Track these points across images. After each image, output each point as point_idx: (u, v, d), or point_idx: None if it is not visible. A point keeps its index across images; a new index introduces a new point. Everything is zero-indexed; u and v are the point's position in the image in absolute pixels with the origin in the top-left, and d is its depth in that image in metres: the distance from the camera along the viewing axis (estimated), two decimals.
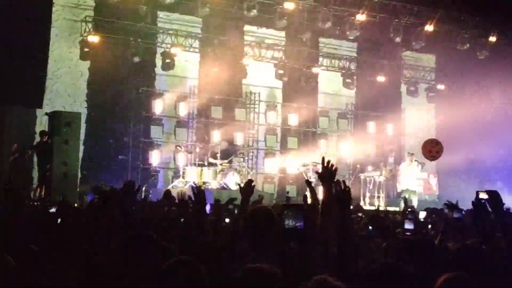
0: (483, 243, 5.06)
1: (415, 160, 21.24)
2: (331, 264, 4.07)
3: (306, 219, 4.17)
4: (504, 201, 5.38)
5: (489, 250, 4.67)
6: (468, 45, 24.16)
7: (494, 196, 4.93)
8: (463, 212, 7.27)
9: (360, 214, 10.28)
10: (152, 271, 3.76)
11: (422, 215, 10.04)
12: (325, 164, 4.56)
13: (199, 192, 5.38)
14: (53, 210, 8.15)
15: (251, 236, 4.28)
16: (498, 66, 25.32)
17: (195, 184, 17.39)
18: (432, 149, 19.47)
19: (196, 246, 4.59)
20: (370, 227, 6.82)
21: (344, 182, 4.39)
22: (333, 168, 4.55)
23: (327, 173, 4.54)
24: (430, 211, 10.98)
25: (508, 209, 6.54)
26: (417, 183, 21.35)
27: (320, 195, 4.70)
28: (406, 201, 10.36)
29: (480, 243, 4.92)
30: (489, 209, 5.03)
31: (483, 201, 5.18)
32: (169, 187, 19.78)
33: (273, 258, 3.98)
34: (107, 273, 4.09)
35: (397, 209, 17.87)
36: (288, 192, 21.72)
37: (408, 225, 6.93)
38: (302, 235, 4.17)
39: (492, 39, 24.27)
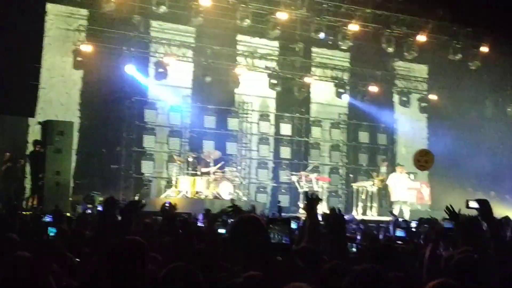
0: (473, 252, 5.09)
1: (406, 172, 21.34)
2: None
3: (292, 234, 4.29)
4: (496, 211, 5.39)
5: (477, 259, 4.69)
6: (460, 56, 24.28)
7: (484, 205, 4.95)
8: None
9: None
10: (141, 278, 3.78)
11: (414, 224, 10.08)
12: (308, 197, 5.18)
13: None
14: (47, 219, 8.13)
15: (238, 245, 4.29)
16: (490, 77, 25.49)
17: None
18: (420, 159, 19.60)
19: (188, 254, 4.61)
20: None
21: (336, 209, 4.84)
22: (315, 200, 5.16)
23: (310, 205, 5.14)
24: (422, 221, 11.00)
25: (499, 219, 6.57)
26: (408, 193, 21.40)
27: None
28: (392, 213, 10.42)
29: (470, 252, 4.94)
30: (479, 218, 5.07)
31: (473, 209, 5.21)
32: (162, 196, 19.76)
33: (261, 266, 4.00)
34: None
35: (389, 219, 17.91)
36: (279, 202, 21.73)
37: (400, 233, 6.97)
38: (288, 249, 4.23)
39: (484, 49, 24.40)
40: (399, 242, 6.89)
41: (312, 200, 5.49)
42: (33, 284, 3.63)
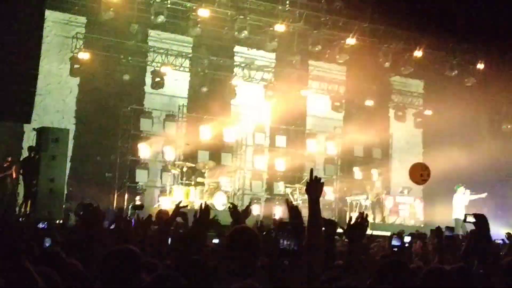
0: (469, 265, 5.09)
1: (467, 189, 21.58)
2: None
3: (299, 238, 4.19)
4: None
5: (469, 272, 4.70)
6: (456, 72, 24.38)
7: (481, 219, 4.96)
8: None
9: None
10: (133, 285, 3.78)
11: (407, 239, 10.04)
12: (312, 177, 4.46)
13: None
14: (41, 225, 8.09)
15: (234, 256, 4.28)
16: (485, 94, 25.57)
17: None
18: (423, 173, 19.60)
19: (184, 263, 4.60)
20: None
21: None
22: (320, 182, 4.45)
23: (313, 188, 4.45)
24: (415, 235, 10.96)
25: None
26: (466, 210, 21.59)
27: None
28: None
29: (464, 265, 4.95)
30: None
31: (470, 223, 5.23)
32: (155, 206, 19.71)
33: (259, 277, 4.00)
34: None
35: (384, 233, 17.87)
36: (274, 215, 21.69)
37: (395, 242, 6.97)
38: (296, 254, 4.18)
39: (480, 66, 24.51)
40: (395, 249, 6.90)
41: (315, 182, 4.48)
42: None
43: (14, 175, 18.03)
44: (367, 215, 4.67)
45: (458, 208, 21.08)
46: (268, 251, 4.35)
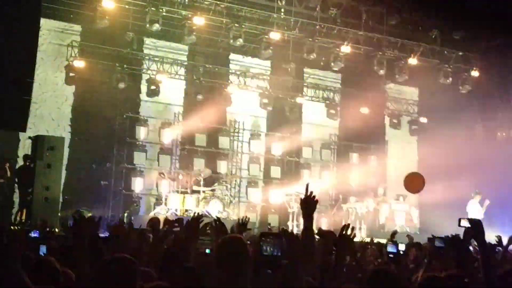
0: (461, 274, 5.08)
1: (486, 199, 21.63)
2: None
3: (283, 247, 4.20)
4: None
5: (462, 281, 4.70)
6: (450, 79, 24.39)
7: (476, 225, 4.92)
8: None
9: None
10: None
11: (401, 247, 10.03)
12: (308, 193, 4.57)
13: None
14: (34, 234, 8.06)
15: (223, 265, 4.28)
16: (480, 101, 25.61)
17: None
18: (425, 180, 19.63)
19: (178, 272, 4.60)
20: None
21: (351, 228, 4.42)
22: (314, 199, 4.56)
23: (307, 203, 4.54)
24: (410, 244, 10.97)
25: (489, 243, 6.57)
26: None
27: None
28: (394, 234, 10.40)
29: (457, 274, 4.94)
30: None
31: (464, 228, 5.19)
32: (151, 214, 19.69)
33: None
34: None
35: (380, 240, 17.85)
36: (269, 224, 21.66)
37: (391, 248, 6.97)
38: (279, 262, 4.19)
39: (475, 74, 24.53)
40: (391, 255, 6.90)
41: (312, 198, 4.64)
42: None
43: (8, 173, 17.96)
44: (353, 227, 4.73)
45: (472, 215, 21.06)
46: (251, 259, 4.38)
